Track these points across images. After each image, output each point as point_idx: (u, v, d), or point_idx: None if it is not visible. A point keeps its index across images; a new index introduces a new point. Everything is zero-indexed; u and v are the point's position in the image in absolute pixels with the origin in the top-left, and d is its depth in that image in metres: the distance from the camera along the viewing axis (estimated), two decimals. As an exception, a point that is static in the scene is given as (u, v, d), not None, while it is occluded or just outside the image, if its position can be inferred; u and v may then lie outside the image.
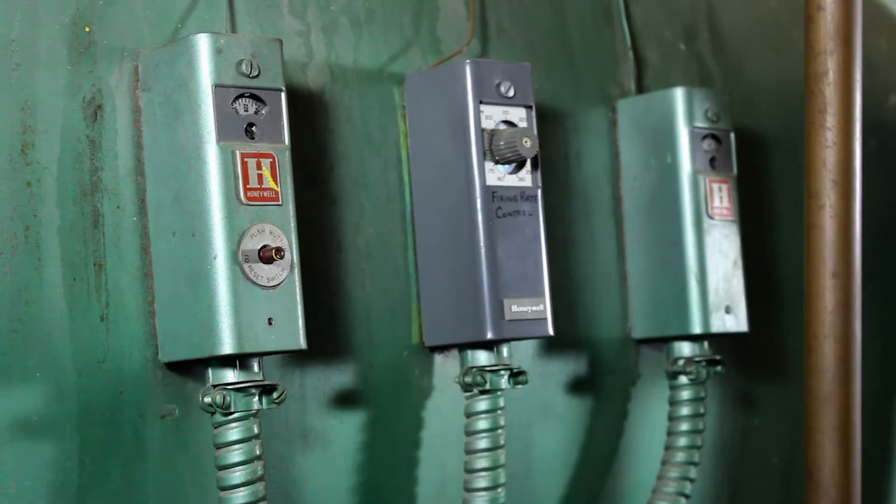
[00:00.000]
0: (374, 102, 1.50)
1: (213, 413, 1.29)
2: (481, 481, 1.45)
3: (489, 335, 1.44)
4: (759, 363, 1.87)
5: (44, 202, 1.27)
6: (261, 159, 1.29)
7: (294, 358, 1.41)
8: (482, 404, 1.46)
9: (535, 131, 1.47)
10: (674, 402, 1.68)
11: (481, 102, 1.45)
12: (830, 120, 1.57)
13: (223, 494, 1.28)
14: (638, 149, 1.70)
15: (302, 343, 1.29)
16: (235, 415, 1.28)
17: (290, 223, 1.30)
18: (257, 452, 1.29)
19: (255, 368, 1.30)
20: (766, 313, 1.85)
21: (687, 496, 1.66)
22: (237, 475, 1.28)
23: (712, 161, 1.68)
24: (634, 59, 1.76)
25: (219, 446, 1.29)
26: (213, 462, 1.30)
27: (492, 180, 1.45)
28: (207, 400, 1.28)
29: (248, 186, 1.27)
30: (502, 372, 1.46)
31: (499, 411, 1.46)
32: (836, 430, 1.58)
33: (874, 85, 2.01)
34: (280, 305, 1.28)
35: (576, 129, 1.69)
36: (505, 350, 1.48)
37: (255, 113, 1.30)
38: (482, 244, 1.44)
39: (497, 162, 1.45)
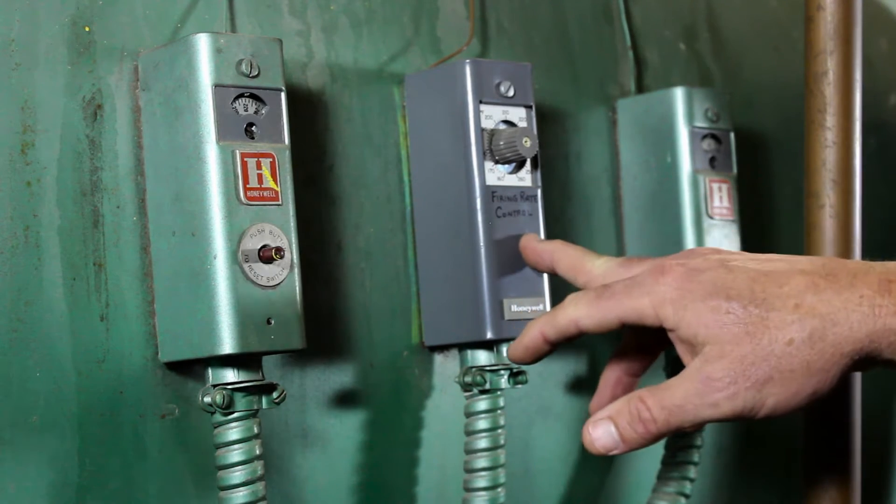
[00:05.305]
0: (374, 102, 1.50)
1: (213, 413, 1.29)
2: (481, 481, 1.45)
3: (489, 335, 1.44)
4: (759, 363, 1.87)
5: (44, 202, 1.26)
6: (261, 159, 1.29)
7: (294, 358, 1.41)
8: (482, 404, 1.46)
9: (535, 131, 1.47)
10: (674, 402, 1.68)
11: (481, 102, 1.45)
12: (830, 120, 1.57)
13: (223, 494, 1.28)
14: (638, 148, 1.70)
15: (302, 343, 1.29)
16: (235, 415, 1.28)
17: (290, 223, 1.30)
18: (257, 452, 1.29)
19: (255, 368, 1.30)
20: (766, 313, 1.85)
21: (687, 496, 1.65)
22: (237, 475, 1.28)
23: (712, 161, 1.68)
24: (634, 59, 1.76)
25: (219, 446, 1.29)
26: (213, 462, 1.30)
27: (491, 180, 1.45)
28: (207, 400, 1.28)
29: (247, 186, 1.27)
30: (502, 372, 1.46)
31: (499, 411, 1.46)
32: (835, 429, 1.58)
33: (874, 85, 2.00)
34: (280, 305, 1.28)
35: (576, 129, 1.69)
36: (505, 350, 1.47)
37: (255, 113, 1.29)
38: (482, 244, 1.44)
39: (497, 162, 1.45)
